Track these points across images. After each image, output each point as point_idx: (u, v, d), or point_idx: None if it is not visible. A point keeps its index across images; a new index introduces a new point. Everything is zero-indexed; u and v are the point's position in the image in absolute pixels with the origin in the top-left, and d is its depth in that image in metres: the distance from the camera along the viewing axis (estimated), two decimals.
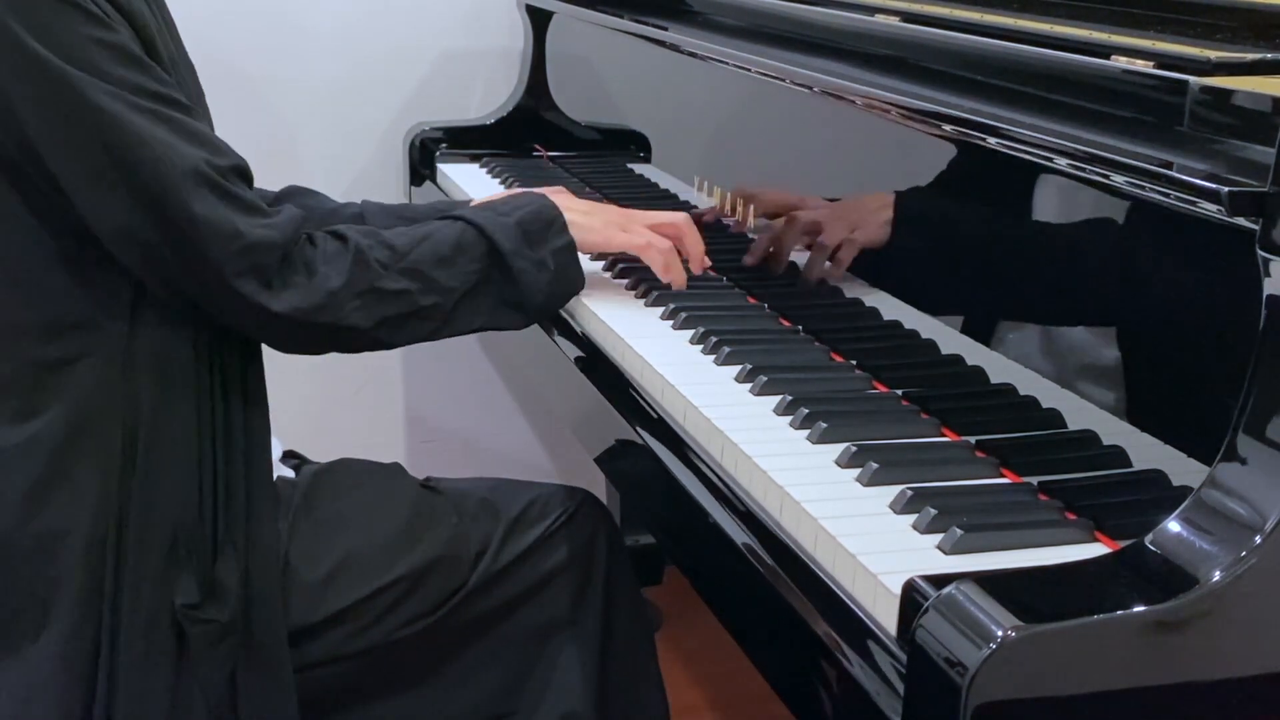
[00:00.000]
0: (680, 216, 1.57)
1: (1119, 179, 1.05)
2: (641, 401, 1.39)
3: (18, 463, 1.26)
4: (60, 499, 1.26)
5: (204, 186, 1.22)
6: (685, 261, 1.56)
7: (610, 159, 2.13)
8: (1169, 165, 1.00)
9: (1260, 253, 0.93)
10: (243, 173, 1.28)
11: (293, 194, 1.68)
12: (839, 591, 1.01)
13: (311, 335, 1.32)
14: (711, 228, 1.77)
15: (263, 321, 1.27)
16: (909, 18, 1.47)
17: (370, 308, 1.31)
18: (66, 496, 1.26)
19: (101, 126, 1.19)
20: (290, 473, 1.48)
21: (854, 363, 1.38)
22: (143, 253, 1.23)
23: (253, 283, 1.24)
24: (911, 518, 1.06)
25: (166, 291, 1.27)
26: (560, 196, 1.49)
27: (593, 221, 1.49)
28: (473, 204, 1.53)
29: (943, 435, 1.23)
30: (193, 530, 1.29)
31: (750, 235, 1.68)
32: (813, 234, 1.51)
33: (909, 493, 1.08)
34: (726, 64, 1.69)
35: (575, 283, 1.47)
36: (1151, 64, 1.11)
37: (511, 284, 1.39)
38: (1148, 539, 0.93)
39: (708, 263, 1.58)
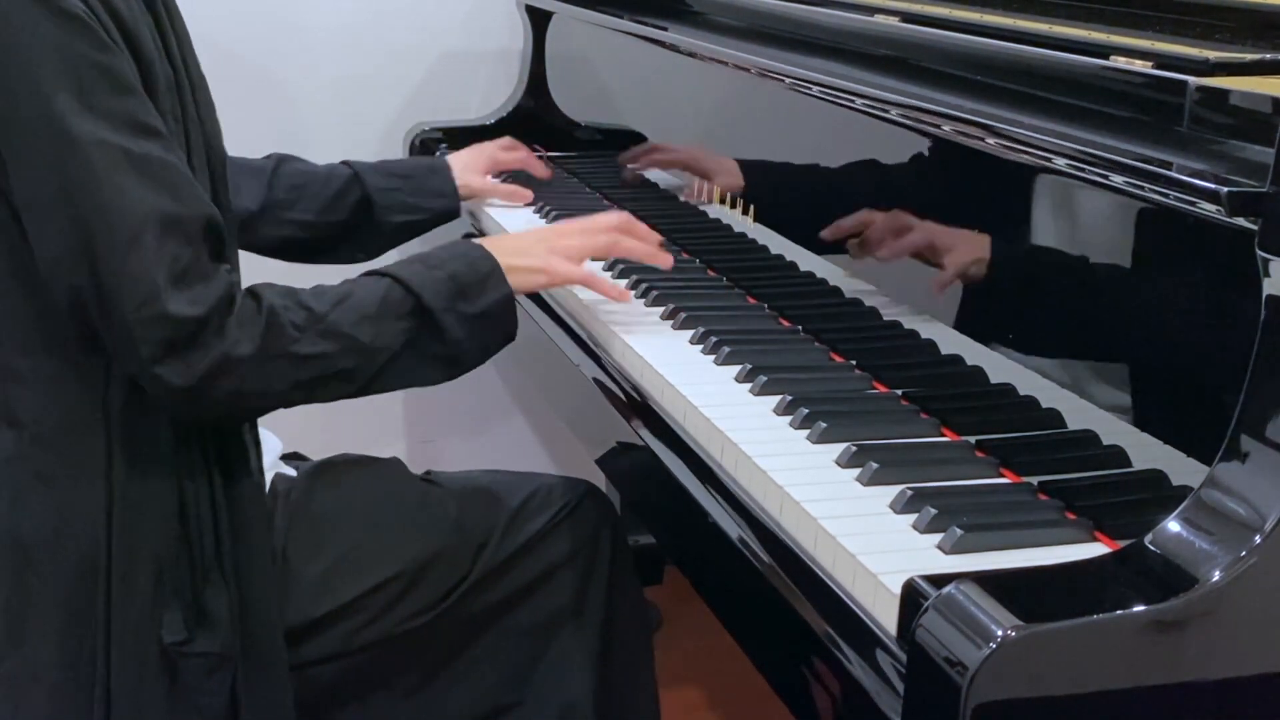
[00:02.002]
0: (616, 219, 1.52)
1: (1118, 179, 1.05)
2: (642, 402, 1.39)
3: (3, 471, 1.24)
4: (40, 514, 1.24)
5: (145, 239, 1.16)
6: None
7: (610, 159, 2.12)
8: (1168, 165, 1.00)
9: (1260, 253, 0.93)
10: (209, 225, 1.21)
11: (283, 160, 1.77)
12: (839, 591, 1.01)
13: (212, 403, 1.22)
14: (711, 228, 1.78)
15: (160, 392, 1.21)
16: (909, 18, 1.47)
17: (283, 373, 1.25)
18: (47, 513, 1.24)
19: (67, 153, 1.15)
20: (292, 472, 1.48)
21: (854, 363, 1.39)
22: (69, 292, 1.18)
23: (153, 350, 1.17)
24: (911, 517, 1.06)
25: (87, 334, 1.21)
26: (494, 242, 1.42)
27: (532, 260, 1.42)
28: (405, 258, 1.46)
29: (943, 435, 1.23)
30: (176, 562, 1.27)
31: (749, 237, 1.68)
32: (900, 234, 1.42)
33: (909, 493, 1.08)
34: (726, 64, 1.69)
35: (511, 333, 1.39)
36: (1150, 64, 1.11)
37: (441, 341, 1.33)
38: (1148, 539, 0.93)
39: (667, 259, 1.54)
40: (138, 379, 1.22)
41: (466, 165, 1.93)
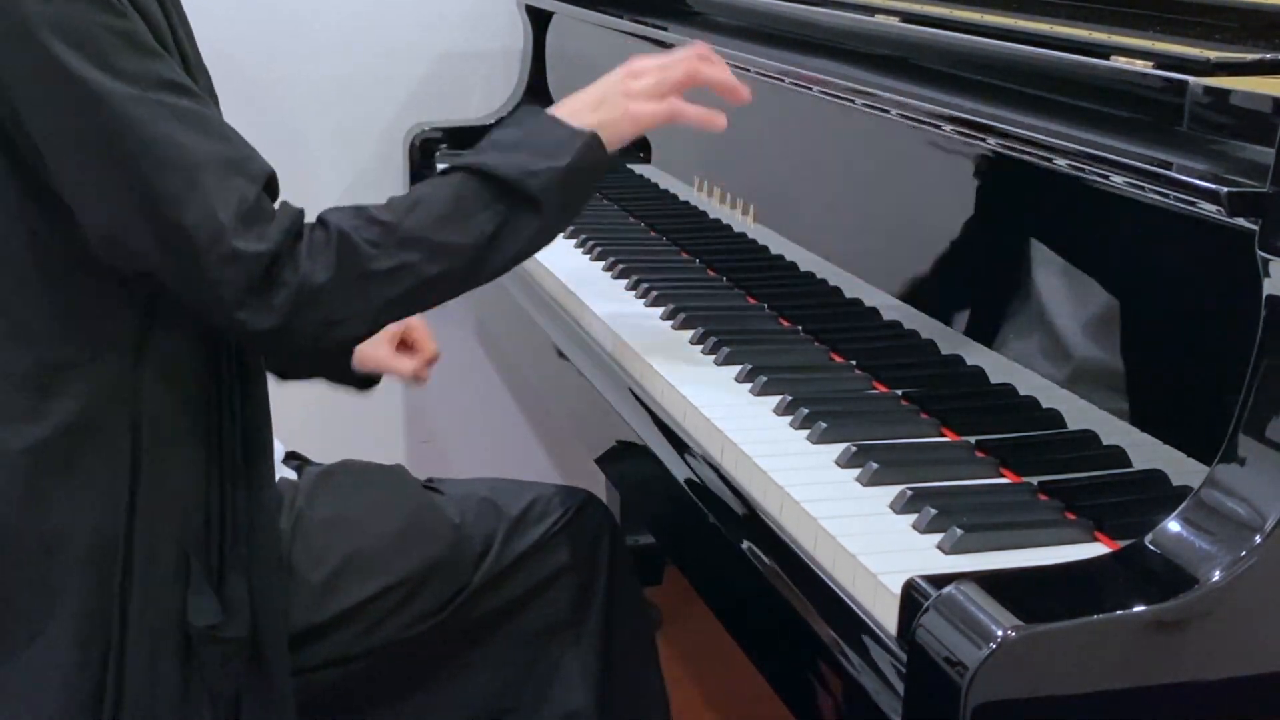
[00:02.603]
0: (690, 52, 1.39)
1: (1118, 179, 1.05)
2: (642, 402, 1.39)
3: (23, 463, 1.24)
4: (64, 503, 1.24)
5: (204, 182, 1.15)
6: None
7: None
8: (1168, 165, 1.00)
9: (1260, 253, 0.93)
10: (267, 178, 1.21)
11: None
12: (839, 591, 1.01)
13: (305, 335, 1.21)
14: (711, 227, 1.78)
15: (249, 337, 1.21)
16: (909, 18, 1.47)
17: (369, 292, 1.22)
18: (71, 502, 1.24)
19: (105, 115, 1.13)
20: (292, 474, 1.48)
21: (854, 363, 1.38)
22: (133, 261, 1.18)
23: (233, 294, 1.16)
24: (911, 518, 1.06)
25: (116, 326, 1.22)
26: (566, 104, 1.34)
27: (611, 113, 1.33)
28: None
29: (943, 435, 1.23)
30: (201, 548, 1.27)
31: (749, 237, 1.68)
32: None
33: (909, 493, 1.08)
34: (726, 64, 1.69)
35: (607, 160, 1.31)
36: (1151, 64, 1.11)
37: (539, 204, 1.26)
38: (1148, 539, 0.93)
39: (745, 92, 1.39)
40: (225, 331, 1.22)
41: None
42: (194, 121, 1.17)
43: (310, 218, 1.25)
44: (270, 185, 1.22)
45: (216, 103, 1.35)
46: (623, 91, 1.35)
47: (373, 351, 1.67)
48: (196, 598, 1.26)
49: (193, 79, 1.28)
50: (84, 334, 1.23)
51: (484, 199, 1.26)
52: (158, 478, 1.25)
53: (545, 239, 1.30)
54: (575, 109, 1.33)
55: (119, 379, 1.24)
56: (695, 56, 1.39)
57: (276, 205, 1.22)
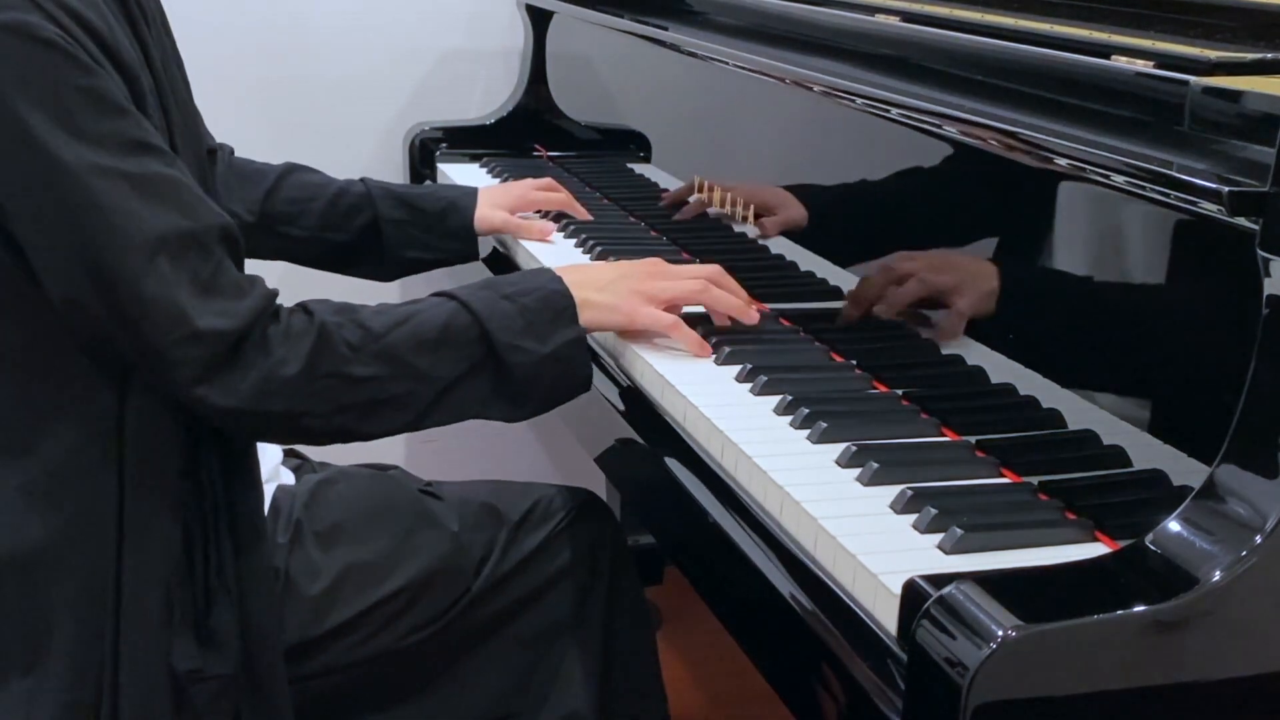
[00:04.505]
0: (709, 270, 1.43)
1: (1119, 179, 1.05)
2: (642, 402, 1.39)
3: (16, 500, 1.21)
4: (53, 543, 1.21)
5: (160, 261, 1.12)
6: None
7: (610, 159, 2.12)
8: (1169, 165, 1.00)
9: (1260, 253, 0.93)
10: (224, 235, 1.18)
11: (291, 170, 1.70)
12: (839, 591, 1.01)
13: (260, 424, 1.21)
14: (711, 227, 1.78)
15: (205, 413, 1.19)
16: (909, 18, 1.47)
17: (330, 394, 1.20)
18: (59, 542, 1.21)
19: (63, 185, 1.10)
20: (291, 476, 1.48)
21: (854, 363, 1.38)
22: (89, 326, 1.15)
23: (193, 372, 1.14)
24: (911, 518, 1.06)
25: (118, 364, 1.19)
26: (574, 273, 1.35)
27: (612, 299, 1.36)
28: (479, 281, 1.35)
29: (943, 435, 1.23)
30: (184, 584, 1.24)
31: (749, 236, 1.68)
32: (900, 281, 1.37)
33: (909, 493, 1.08)
34: (726, 64, 1.69)
35: (581, 379, 1.33)
36: (1151, 64, 1.11)
37: (507, 377, 1.27)
38: (1148, 539, 0.93)
39: (754, 315, 1.44)
40: (187, 405, 1.18)
41: (492, 200, 1.80)
42: (154, 189, 1.14)
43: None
44: (228, 243, 1.19)
45: (195, 111, 1.31)
46: (630, 286, 1.38)
47: (493, 216, 1.76)
48: (179, 640, 1.24)
49: (171, 93, 1.26)
50: (63, 375, 1.20)
51: (466, 340, 1.26)
52: (142, 516, 1.22)
53: (485, 411, 1.31)
54: (579, 281, 1.33)
55: (101, 418, 1.21)
56: (710, 277, 1.41)
57: (247, 274, 1.19)
